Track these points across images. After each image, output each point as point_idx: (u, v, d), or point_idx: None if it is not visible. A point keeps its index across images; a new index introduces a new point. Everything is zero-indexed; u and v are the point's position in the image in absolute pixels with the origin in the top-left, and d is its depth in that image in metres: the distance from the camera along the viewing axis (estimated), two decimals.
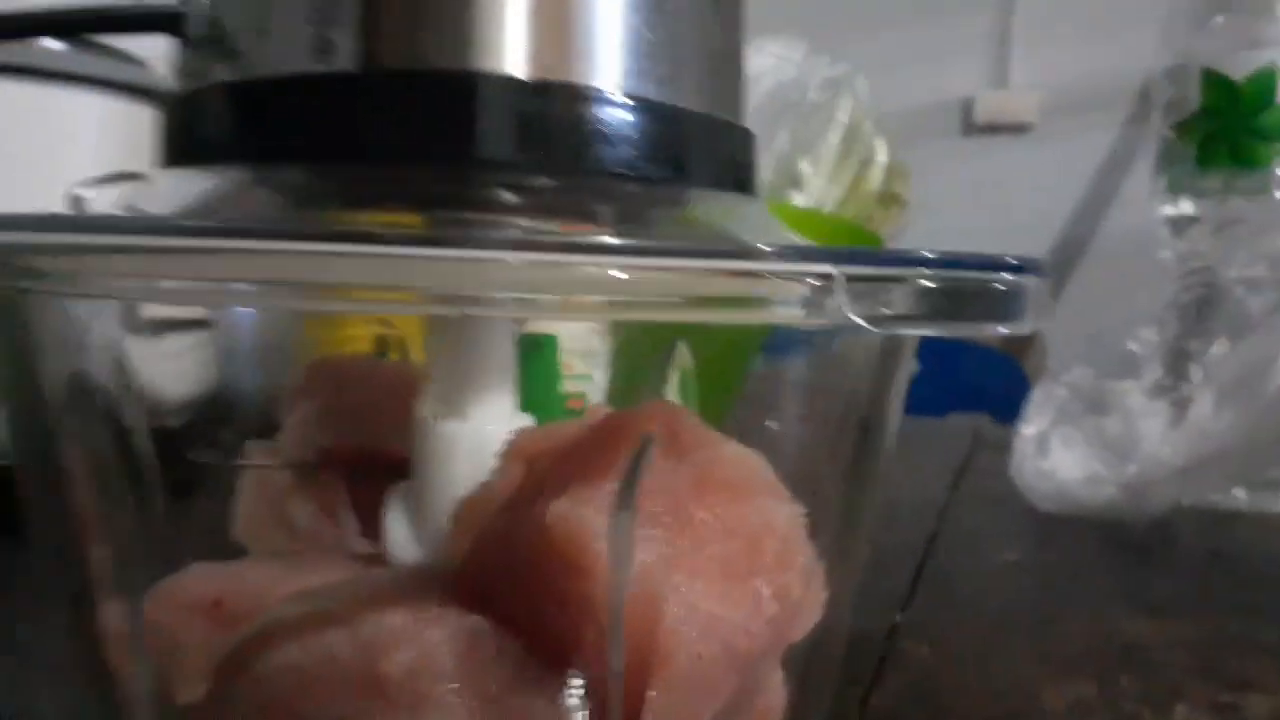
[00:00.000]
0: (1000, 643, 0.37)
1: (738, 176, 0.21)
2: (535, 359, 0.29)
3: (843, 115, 0.71)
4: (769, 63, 0.76)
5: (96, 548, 0.21)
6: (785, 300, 0.15)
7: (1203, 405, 0.51)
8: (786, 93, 0.74)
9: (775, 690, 0.21)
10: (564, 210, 0.18)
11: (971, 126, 2.01)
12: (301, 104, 0.18)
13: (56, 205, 0.51)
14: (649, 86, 0.18)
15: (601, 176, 0.18)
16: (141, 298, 0.19)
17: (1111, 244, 1.83)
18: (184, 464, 0.24)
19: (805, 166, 0.69)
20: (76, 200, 0.52)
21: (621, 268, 0.14)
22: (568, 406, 0.32)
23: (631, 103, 0.18)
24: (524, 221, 0.18)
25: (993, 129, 1.99)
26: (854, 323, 0.15)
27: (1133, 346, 0.59)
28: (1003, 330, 0.16)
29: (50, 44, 0.54)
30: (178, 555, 0.22)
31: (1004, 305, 0.16)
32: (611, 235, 0.18)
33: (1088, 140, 1.87)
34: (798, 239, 0.22)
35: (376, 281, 0.14)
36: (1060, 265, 1.86)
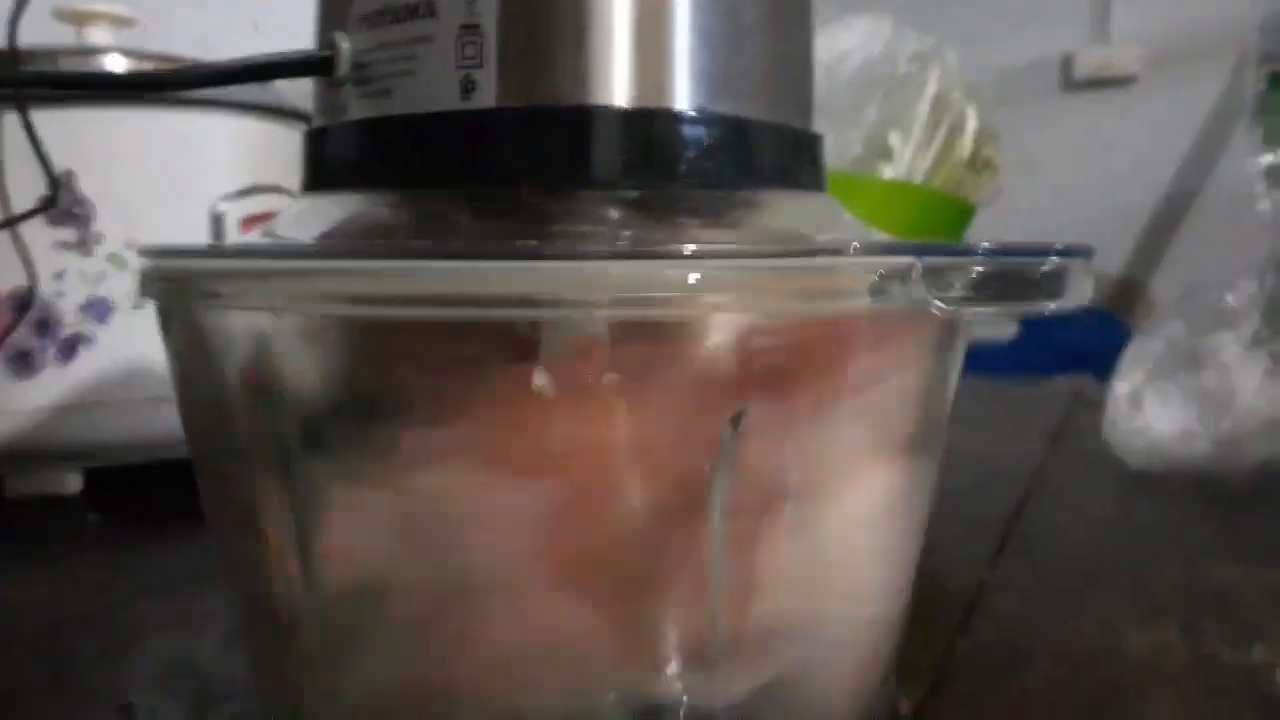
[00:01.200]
0: (1087, 593, 0.39)
1: (805, 174, 0.24)
2: None
3: (931, 86, 0.72)
4: (857, 39, 0.77)
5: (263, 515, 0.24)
6: (856, 290, 0.17)
7: None
8: (875, 67, 0.75)
9: None
10: (658, 217, 0.21)
11: (1072, 83, 1.97)
12: (444, 136, 0.21)
13: (199, 217, 0.56)
14: (725, 104, 0.21)
15: (688, 186, 0.21)
16: (298, 310, 0.22)
17: (1219, 197, 1.78)
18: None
19: (894, 138, 0.70)
20: (217, 214, 0.57)
21: (726, 270, 0.16)
22: None
23: (710, 121, 0.21)
24: (626, 231, 0.20)
25: (1094, 84, 1.94)
26: (925, 306, 0.17)
27: (1230, 299, 0.59)
28: (1048, 308, 0.18)
29: None
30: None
31: (1047, 286, 0.18)
32: (701, 237, 0.21)
33: (1194, 91, 1.81)
34: (860, 226, 0.24)
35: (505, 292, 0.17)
36: (1166, 220, 1.82)
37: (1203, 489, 0.51)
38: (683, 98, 0.21)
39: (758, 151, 0.22)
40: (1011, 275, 0.18)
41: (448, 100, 0.21)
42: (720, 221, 0.21)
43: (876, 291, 0.17)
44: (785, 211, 0.23)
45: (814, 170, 0.24)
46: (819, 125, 0.64)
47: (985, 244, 0.18)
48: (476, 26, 0.20)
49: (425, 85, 0.21)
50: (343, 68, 0.22)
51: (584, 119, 0.20)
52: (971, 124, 0.71)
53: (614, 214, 0.20)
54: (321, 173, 0.24)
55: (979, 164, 0.72)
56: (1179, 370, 0.54)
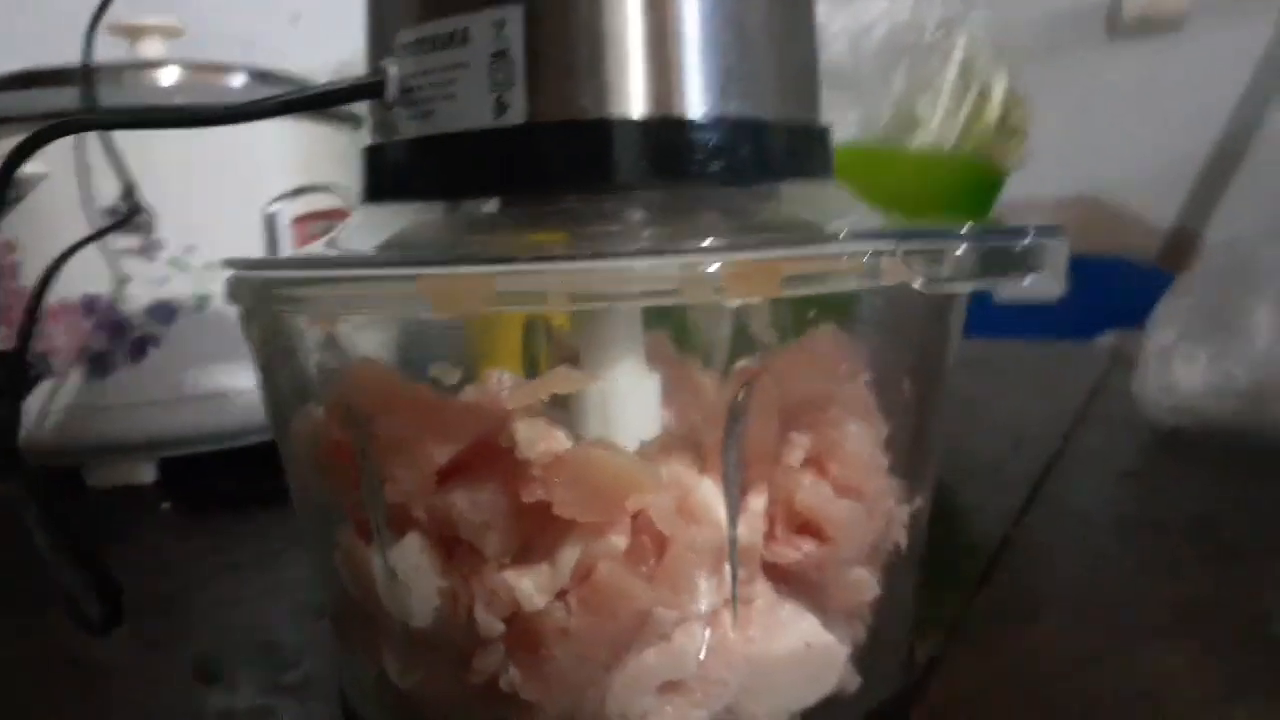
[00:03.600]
0: (1105, 548, 0.41)
1: (815, 164, 0.26)
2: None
3: (958, 52, 0.73)
4: (882, 6, 0.77)
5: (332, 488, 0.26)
6: (852, 273, 0.20)
7: None
8: (901, 36, 0.75)
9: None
10: (678, 217, 0.23)
11: (1119, 27, 1.93)
12: (482, 150, 0.23)
13: (253, 218, 0.58)
14: (733, 106, 0.23)
15: (703, 184, 0.23)
16: (354, 311, 0.25)
17: (1275, 143, 1.74)
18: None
19: (922, 107, 0.71)
20: (270, 215, 0.60)
21: (719, 263, 0.19)
22: None
23: (719, 123, 0.23)
24: (647, 231, 0.23)
25: (1142, 28, 1.90)
26: (908, 285, 0.20)
27: (1264, 254, 0.58)
28: (1025, 284, 0.20)
29: (238, 80, 0.61)
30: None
31: (1025, 262, 0.20)
32: (716, 234, 0.23)
33: (1246, 32, 1.77)
34: (867, 209, 0.26)
35: (534, 289, 0.19)
36: (1219, 168, 1.78)
37: (1228, 447, 0.52)
38: (694, 104, 0.23)
39: (767, 147, 0.24)
40: (991, 254, 0.20)
41: (483, 119, 0.23)
42: (734, 215, 0.23)
43: (866, 274, 0.20)
44: (796, 201, 0.25)
45: (823, 159, 0.26)
46: (846, 98, 0.65)
47: (965, 227, 0.20)
48: (505, 52, 0.23)
49: (463, 106, 0.23)
50: (392, 91, 0.24)
51: (605, 130, 0.23)
52: (999, 89, 0.72)
53: (637, 214, 0.23)
54: (378, 185, 0.26)
55: (1006, 131, 0.72)
56: (1208, 328, 0.54)
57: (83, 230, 0.55)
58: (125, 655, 0.35)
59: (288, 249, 0.60)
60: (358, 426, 0.23)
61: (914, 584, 0.28)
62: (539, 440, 0.22)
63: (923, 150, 0.68)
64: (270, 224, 0.60)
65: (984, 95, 0.73)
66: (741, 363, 0.23)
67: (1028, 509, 0.45)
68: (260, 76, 0.62)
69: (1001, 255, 0.20)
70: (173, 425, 0.58)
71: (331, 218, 0.63)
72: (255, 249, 0.59)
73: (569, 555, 0.22)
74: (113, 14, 0.57)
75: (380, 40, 0.25)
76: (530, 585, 0.22)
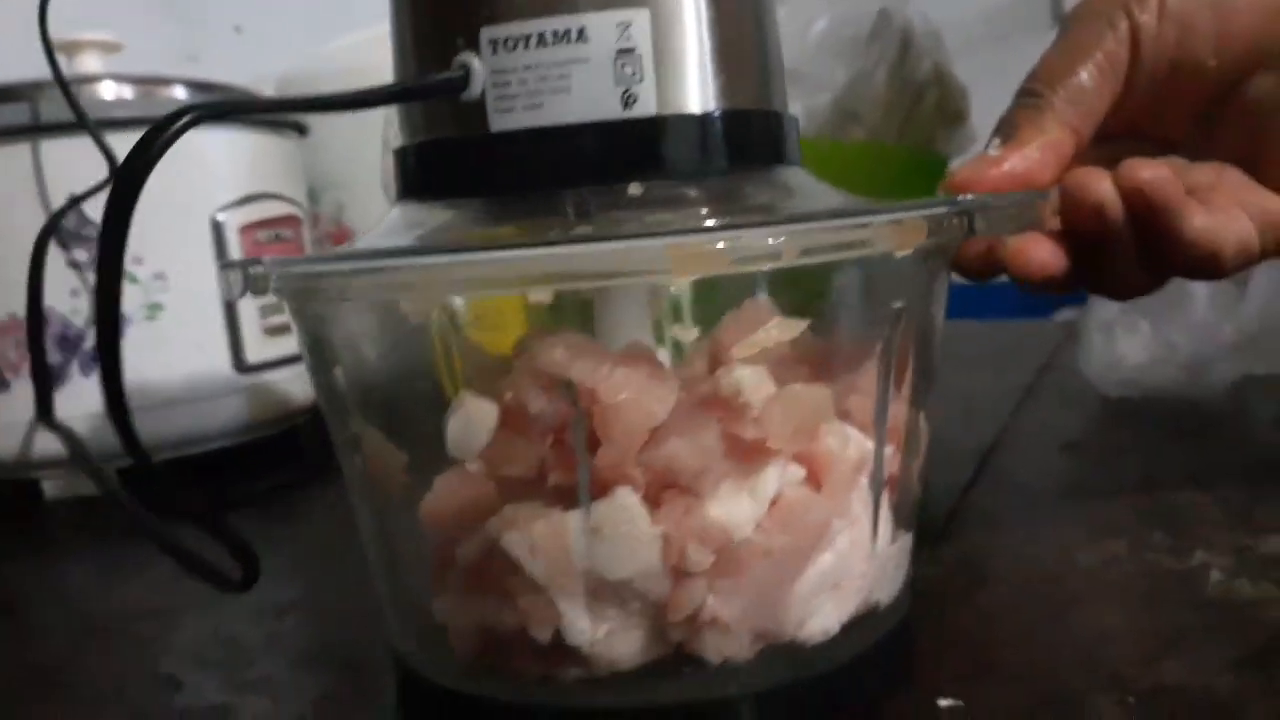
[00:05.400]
0: (1048, 517, 0.41)
1: (787, 152, 0.29)
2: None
3: (895, 44, 0.74)
4: (821, 2, 0.78)
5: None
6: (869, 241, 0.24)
7: (1261, 278, 0.52)
8: (841, 28, 0.76)
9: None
10: (717, 201, 0.26)
11: (1063, 15, 1.98)
12: (611, 141, 0.25)
13: (201, 228, 0.57)
14: (744, 99, 0.27)
15: (719, 170, 0.26)
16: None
17: None
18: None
19: (862, 101, 0.72)
20: (217, 223, 0.59)
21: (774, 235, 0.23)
22: None
23: (753, 116, 0.27)
24: (704, 210, 0.26)
25: None
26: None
27: None
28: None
29: (178, 92, 0.60)
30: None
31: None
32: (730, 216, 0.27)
33: None
34: (833, 190, 0.29)
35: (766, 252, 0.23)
36: None
37: (1175, 414, 0.53)
38: (743, 98, 0.26)
39: (768, 135, 0.28)
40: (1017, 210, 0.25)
41: (610, 111, 0.25)
42: (729, 200, 0.27)
43: (933, 234, 0.24)
44: (773, 185, 0.28)
45: (791, 147, 0.29)
46: (788, 92, 0.68)
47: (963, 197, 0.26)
48: (632, 50, 0.25)
49: (582, 99, 0.25)
50: (476, 86, 0.25)
51: (706, 122, 0.26)
52: (934, 79, 0.73)
53: (690, 196, 0.26)
54: (437, 181, 0.27)
55: (949, 118, 0.73)
56: (1149, 299, 0.56)
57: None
58: (82, 664, 0.36)
59: (235, 257, 0.59)
60: (573, 395, 0.24)
61: None
62: (761, 385, 0.25)
63: (863, 141, 0.70)
64: (217, 232, 0.59)
65: (925, 86, 0.74)
66: (897, 304, 0.26)
67: (975, 482, 0.46)
68: (201, 88, 0.62)
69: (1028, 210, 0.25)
70: None
71: (280, 225, 0.63)
72: (203, 259, 0.58)
73: (768, 485, 0.25)
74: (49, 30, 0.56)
75: (455, 35, 0.26)
76: (740, 516, 0.25)
